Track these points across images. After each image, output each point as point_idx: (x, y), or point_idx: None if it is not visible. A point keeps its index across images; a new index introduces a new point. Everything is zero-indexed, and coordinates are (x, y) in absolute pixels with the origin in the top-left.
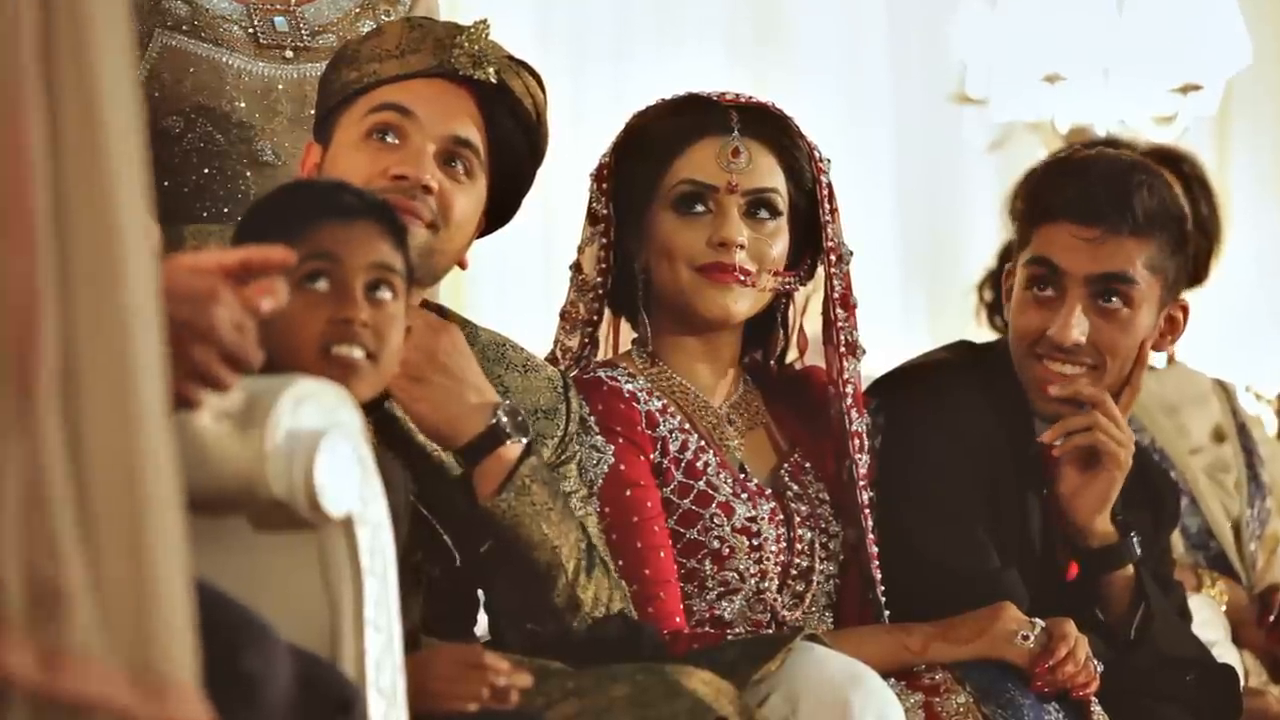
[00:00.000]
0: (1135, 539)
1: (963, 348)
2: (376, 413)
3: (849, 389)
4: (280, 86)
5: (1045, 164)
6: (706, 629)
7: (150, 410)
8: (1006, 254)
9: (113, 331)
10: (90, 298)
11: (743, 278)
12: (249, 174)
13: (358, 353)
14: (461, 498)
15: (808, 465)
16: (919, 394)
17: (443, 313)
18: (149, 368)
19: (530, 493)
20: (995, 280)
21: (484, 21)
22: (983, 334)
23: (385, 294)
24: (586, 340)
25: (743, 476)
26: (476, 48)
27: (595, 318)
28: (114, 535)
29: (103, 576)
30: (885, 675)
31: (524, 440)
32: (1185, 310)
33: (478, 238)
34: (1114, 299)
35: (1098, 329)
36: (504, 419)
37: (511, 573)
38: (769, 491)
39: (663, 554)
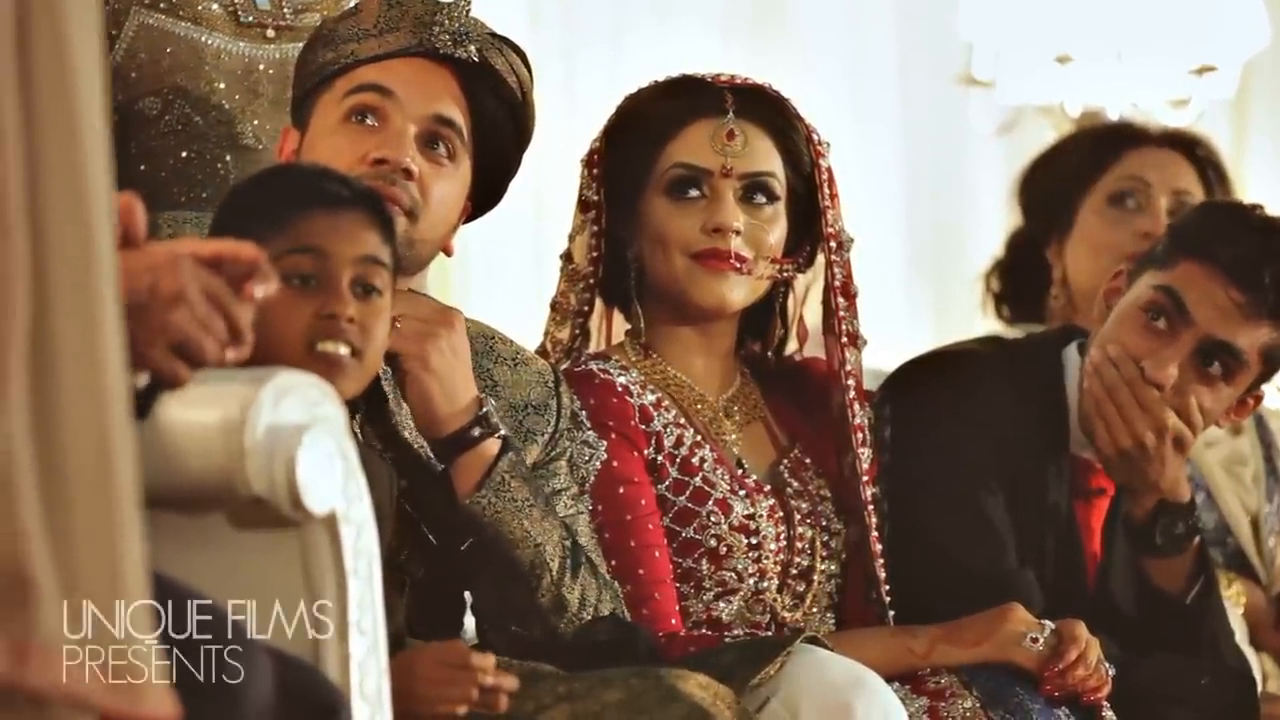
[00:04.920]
0: (1199, 509)
1: (993, 341)
2: (361, 408)
3: (850, 380)
4: (262, 67)
5: (1232, 206)
6: (703, 631)
7: (118, 396)
8: (1015, 242)
9: (86, 316)
10: (65, 282)
11: (739, 265)
12: (229, 158)
13: (343, 350)
14: (441, 494)
15: (808, 460)
16: (944, 385)
17: None
18: (115, 353)
19: (510, 489)
20: (1003, 270)
21: None
22: (989, 325)
23: (372, 288)
24: (578, 331)
25: (740, 472)
26: (457, 25)
27: (587, 308)
28: (85, 524)
29: (73, 567)
30: (889, 679)
31: (502, 437)
32: (1259, 400)
33: (464, 223)
34: (1216, 365)
35: (1186, 384)
36: (490, 412)
37: (494, 572)
38: (768, 488)
39: (657, 553)
